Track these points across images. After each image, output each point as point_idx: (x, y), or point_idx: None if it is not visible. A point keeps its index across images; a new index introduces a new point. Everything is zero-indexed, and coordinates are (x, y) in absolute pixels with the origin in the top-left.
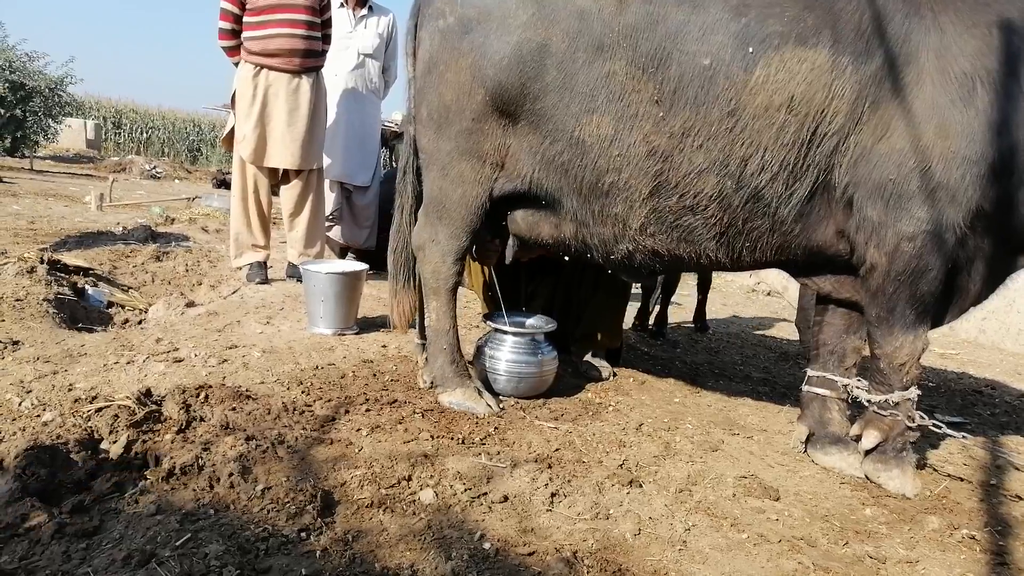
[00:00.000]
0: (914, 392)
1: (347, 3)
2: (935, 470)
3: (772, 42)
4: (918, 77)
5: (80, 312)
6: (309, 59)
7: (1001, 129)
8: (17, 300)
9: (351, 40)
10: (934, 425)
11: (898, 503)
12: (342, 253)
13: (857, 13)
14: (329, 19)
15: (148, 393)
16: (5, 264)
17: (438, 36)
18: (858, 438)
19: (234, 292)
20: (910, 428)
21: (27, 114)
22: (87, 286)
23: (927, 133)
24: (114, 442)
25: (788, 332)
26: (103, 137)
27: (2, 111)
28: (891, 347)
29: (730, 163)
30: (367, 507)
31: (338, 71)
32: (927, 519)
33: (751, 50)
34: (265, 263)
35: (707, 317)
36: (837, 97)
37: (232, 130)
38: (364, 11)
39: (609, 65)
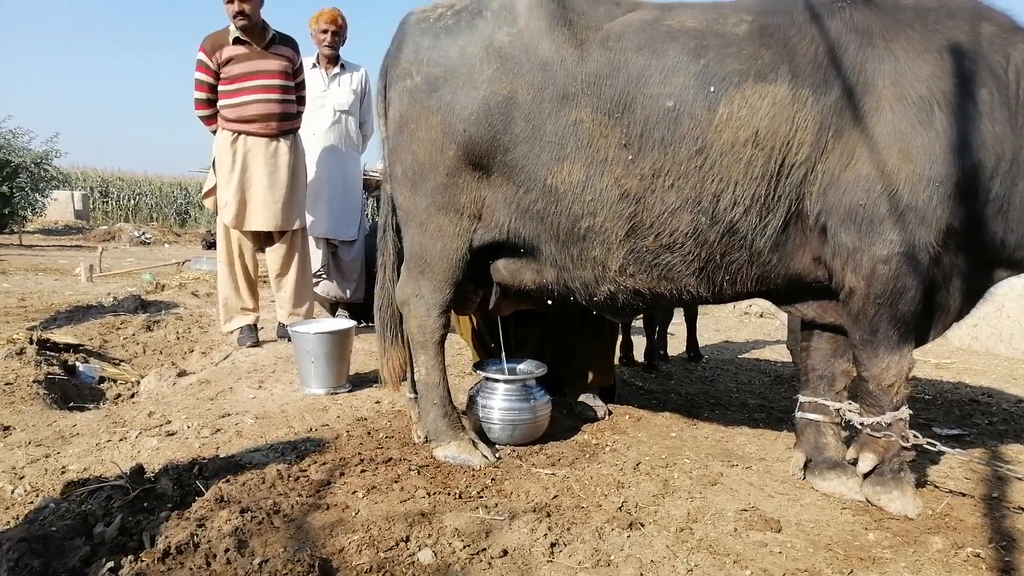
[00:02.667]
0: (905, 412)
1: (319, 63)
2: (936, 487)
3: (732, 80)
4: (877, 104)
5: (72, 390)
6: (285, 122)
7: (962, 149)
8: (7, 384)
9: (326, 99)
10: (928, 443)
11: (901, 525)
12: (332, 308)
13: (812, 46)
14: (302, 82)
15: (141, 471)
16: None
17: (407, 96)
18: (855, 462)
19: (225, 358)
20: (905, 448)
21: (13, 190)
22: (78, 363)
23: (891, 158)
24: (108, 524)
25: (782, 354)
26: (91, 207)
27: None
28: (878, 369)
29: (702, 200)
30: (366, 572)
31: (315, 130)
32: (931, 540)
33: (713, 89)
34: (255, 325)
35: (700, 345)
36: (801, 128)
37: (213, 188)
38: (336, 69)
39: (575, 113)
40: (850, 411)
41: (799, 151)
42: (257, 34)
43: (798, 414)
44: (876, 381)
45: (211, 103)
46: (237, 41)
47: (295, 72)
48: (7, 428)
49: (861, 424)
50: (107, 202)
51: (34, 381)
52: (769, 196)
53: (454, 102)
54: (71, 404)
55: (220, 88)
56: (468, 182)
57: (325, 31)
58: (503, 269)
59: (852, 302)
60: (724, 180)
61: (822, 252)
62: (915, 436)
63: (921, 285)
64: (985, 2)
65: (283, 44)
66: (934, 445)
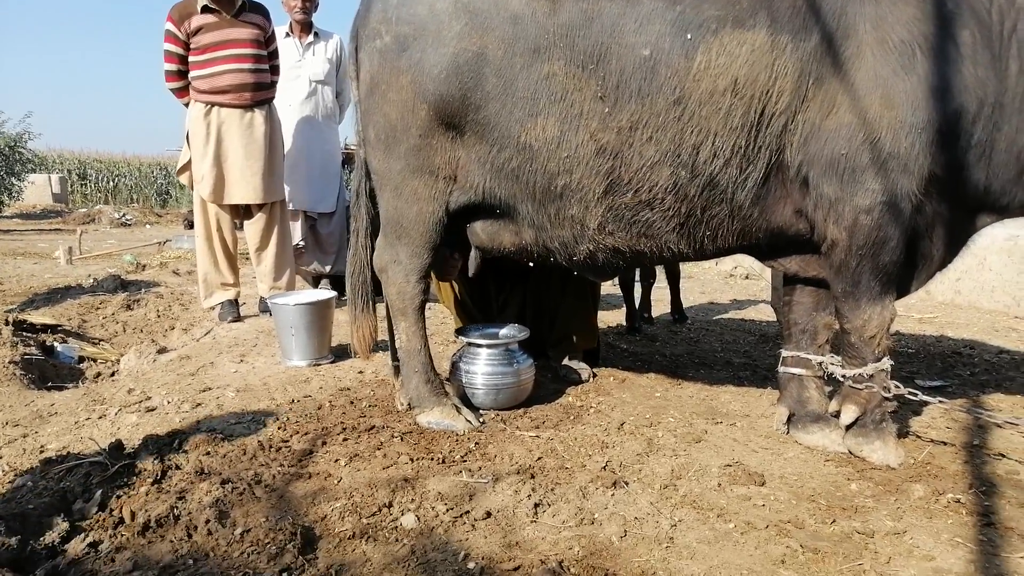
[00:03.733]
0: (887, 363)
1: (292, 32)
2: (918, 437)
3: (710, 27)
4: (858, 50)
5: (50, 370)
6: (259, 92)
7: (944, 94)
8: None
9: (300, 69)
10: (910, 393)
11: (883, 475)
12: (315, 281)
13: None
14: (275, 50)
15: (120, 446)
16: None
17: (376, 56)
18: (837, 414)
19: (206, 333)
20: (887, 399)
21: None
22: (56, 343)
23: (873, 105)
24: (87, 501)
25: (767, 314)
26: (70, 190)
27: None
28: (860, 320)
29: (681, 152)
30: (349, 539)
31: (291, 101)
32: (912, 487)
33: (689, 36)
34: (236, 300)
35: (685, 306)
36: (780, 76)
37: (188, 162)
38: (310, 38)
39: (548, 67)
40: (832, 364)
41: (779, 100)
42: (227, 2)
43: (781, 369)
44: (858, 333)
45: (182, 75)
46: (206, 10)
47: (267, 40)
48: None
49: (843, 376)
50: (85, 184)
51: (10, 362)
52: (749, 147)
53: (423, 60)
54: (49, 384)
55: (191, 59)
56: (441, 143)
57: None
58: (481, 232)
59: (834, 254)
60: (703, 131)
61: (804, 204)
62: (896, 386)
63: (903, 235)
64: None
65: (253, 12)
66: (915, 395)
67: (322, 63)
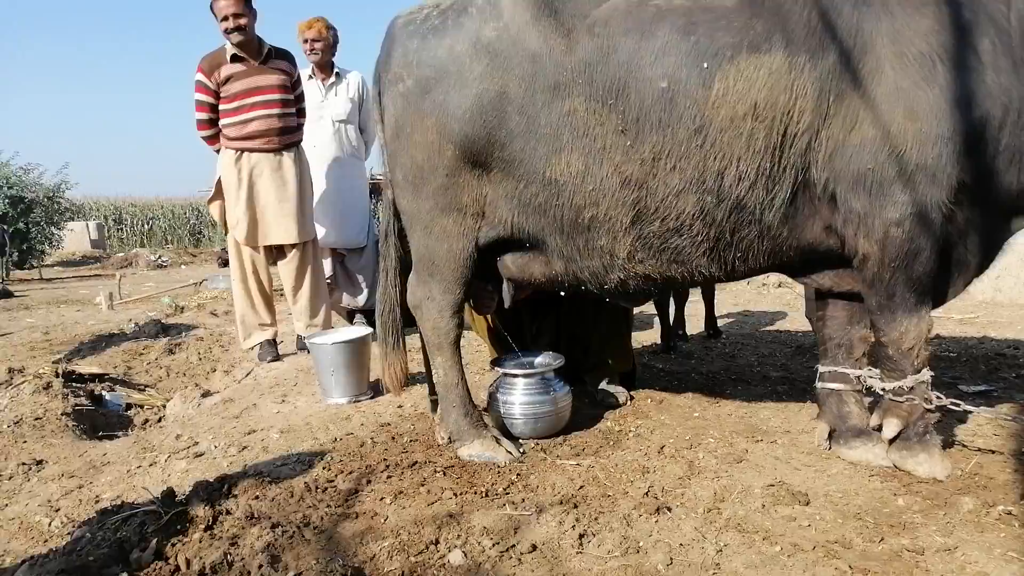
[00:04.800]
0: (927, 374)
1: (315, 75)
2: (964, 446)
3: (725, 54)
4: (877, 64)
5: (100, 420)
6: (288, 136)
7: (967, 103)
8: (36, 419)
9: (323, 110)
10: (952, 403)
11: (930, 488)
12: (350, 316)
13: (805, 11)
14: (302, 94)
15: (172, 494)
16: (23, 383)
17: (400, 100)
18: (879, 428)
19: (247, 375)
20: (929, 410)
21: (29, 225)
22: (104, 392)
23: (896, 118)
24: (144, 550)
25: (802, 324)
26: (107, 235)
27: (6, 227)
28: (896, 333)
29: (706, 179)
30: None
31: (316, 142)
32: (961, 500)
33: (706, 65)
34: (274, 340)
35: (719, 319)
36: (800, 96)
37: (216, 193)
38: (332, 79)
39: (568, 103)
40: (871, 377)
41: (800, 119)
42: (253, 50)
43: (819, 384)
44: (895, 345)
45: (213, 123)
46: (234, 59)
47: (294, 85)
48: (40, 462)
49: (883, 390)
50: (121, 229)
51: (63, 414)
52: (774, 168)
53: (447, 102)
54: (100, 433)
55: (221, 107)
56: (468, 181)
57: (306, 41)
58: (511, 264)
59: (867, 268)
60: (727, 156)
61: (833, 220)
62: (938, 397)
63: (936, 244)
64: None
65: (279, 58)
66: (958, 405)
67: (344, 103)
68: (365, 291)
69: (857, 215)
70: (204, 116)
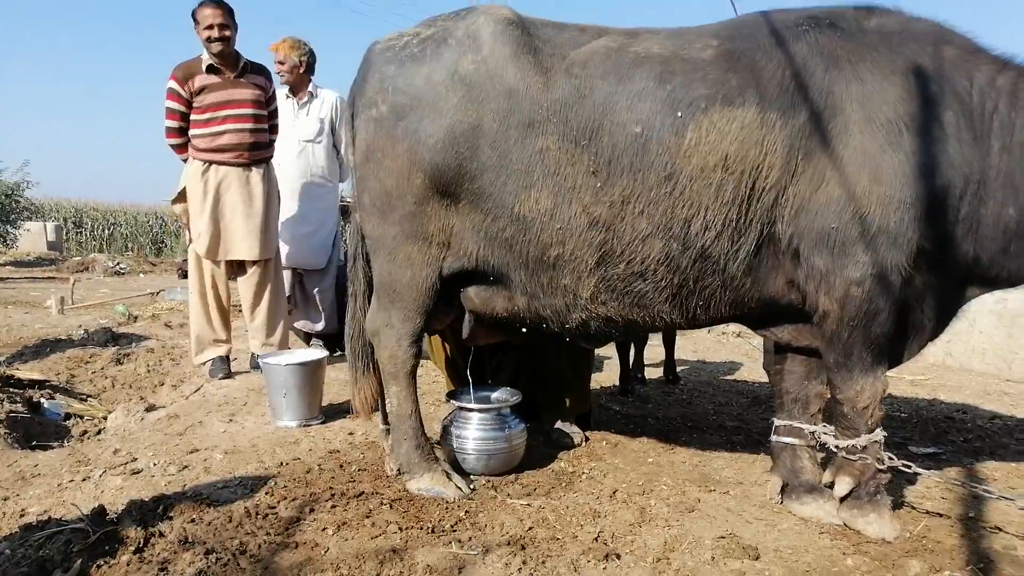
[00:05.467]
0: (880, 434)
1: (291, 94)
2: (913, 508)
3: (700, 105)
4: (845, 127)
5: (35, 428)
6: (258, 151)
7: (931, 171)
8: None
9: (293, 129)
10: (904, 465)
11: (879, 549)
12: (307, 338)
13: (779, 70)
14: (275, 110)
15: (103, 512)
16: None
17: (372, 125)
18: (832, 485)
19: (196, 390)
20: (880, 470)
21: None
22: (43, 399)
23: (862, 180)
24: (66, 571)
25: (759, 375)
26: (65, 238)
27: None
28: (852, 391)
29: (673, 226)
30: None
31: (282, 160)
32: (909, 563)
33: (680, 114)
34: (227, 357)
35: (677, 365)
36: (770, 152)
37: (180, 195)
38: (305, 98)
39: (542, 141)
40: (825, 434)
41: (769, 175)
42: (231, 63)
43: (774, 438)
44: (851, 403)
45: (183, 132)
46: (210, 69)
47: (268, 101)
48: None
49: (836, 447)
50: (81, 232)
51: None
52: (741, 220)
53: (420, 130)
54: (34, 443)
55: (192, 117)
56: (436, 210)
57: (276, 62)
58: (474, 297)
59: (826, 324)
60: (695, 205)
61: (795, 275)
62: (890, 458)
63: (894, 306)
64: (945, 25)
65: (255, 73)
66: (909, 467)
67: (313, 123)
68: (323, 315)
69: (819, 272)
70: (174, 124)
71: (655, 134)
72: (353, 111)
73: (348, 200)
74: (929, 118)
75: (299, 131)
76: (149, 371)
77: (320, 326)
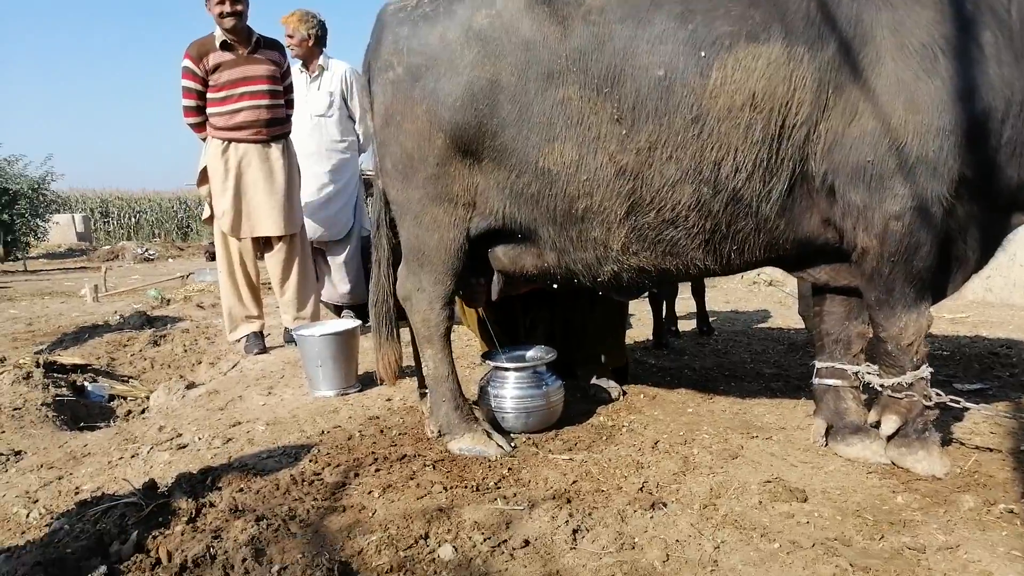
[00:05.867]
0: (926, 370)
1: (305, 68)
2: (962, 444)
3: (723, 43)
4: (877, 56)
5: (81, 411)
6: (276, 127)
7: (969, 95)
8: (15, 409)
9: (306, 104)
10: (952, 400)
11: (930, 485)
12: (337, 310)
13: (804, 1)
14: (290, 85)
15: (154, 486)
16: (2, 373)
17: (390, 88)
18: (877, 424)
19: (233, 367)
20: (928, 407)
21: (14, 217)
22: (86, 383)
23: (897, 110)
24: (124, 542)
25: (794, 321)
26: (93, 228)
27: None
28: (896, 328)
29: (703, 169)
30: (386, 573)
31: (295, 135)
32: (962, 498)
33: (704, 54)
34: (261, 332)
35: (710, 316)
36: (799, 87)
37: (201, 176)
38: (316, 72)
39: (562, 91)
40: (869, 373)
41: (799, 111)
42: (243, 38)
43: (816, 381)
44: (895, 341)
45: (200, 110)
46: (224, 46)
47: (283, 76)
48: (18, 453)
49: (881, 386)
50: (108, 222)
51: (42, 404)
52: (772, 160)
53: (438, 90)
54: (82, 424)
55: (209, 96)
56: (459, 170)
57: (286, 36)
58: (503, 256)
59: (865, 262)
60: (724, 147)
61: (831, 213)
62: (938, 394)
63: (936, 239)
64: None
65: (269, 48)
66: (958, 402)
67: (323, 96)
68: (348, 286)
69: (856, 208)
70: (191, 103)
71: (679, 76)
72: (369, 76)
73: (369, 172)
74: (965, 40)
75: (311, 106)
76: (186, 351)
77: (345, 296)
